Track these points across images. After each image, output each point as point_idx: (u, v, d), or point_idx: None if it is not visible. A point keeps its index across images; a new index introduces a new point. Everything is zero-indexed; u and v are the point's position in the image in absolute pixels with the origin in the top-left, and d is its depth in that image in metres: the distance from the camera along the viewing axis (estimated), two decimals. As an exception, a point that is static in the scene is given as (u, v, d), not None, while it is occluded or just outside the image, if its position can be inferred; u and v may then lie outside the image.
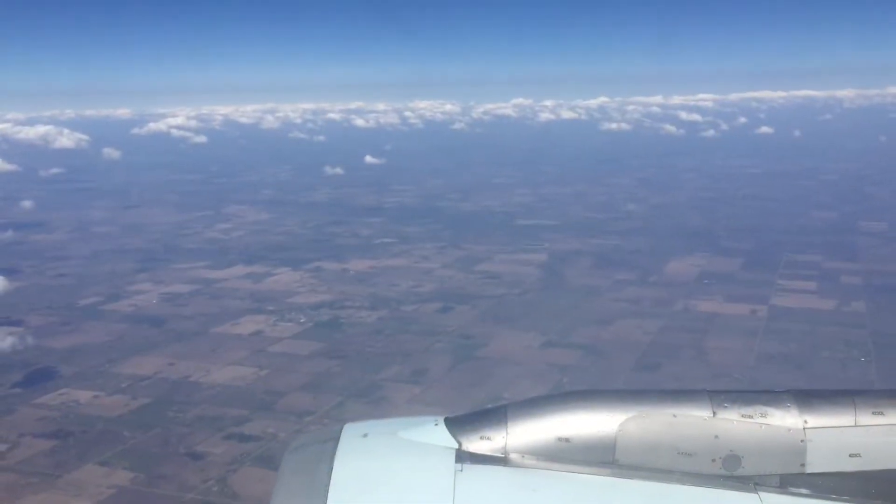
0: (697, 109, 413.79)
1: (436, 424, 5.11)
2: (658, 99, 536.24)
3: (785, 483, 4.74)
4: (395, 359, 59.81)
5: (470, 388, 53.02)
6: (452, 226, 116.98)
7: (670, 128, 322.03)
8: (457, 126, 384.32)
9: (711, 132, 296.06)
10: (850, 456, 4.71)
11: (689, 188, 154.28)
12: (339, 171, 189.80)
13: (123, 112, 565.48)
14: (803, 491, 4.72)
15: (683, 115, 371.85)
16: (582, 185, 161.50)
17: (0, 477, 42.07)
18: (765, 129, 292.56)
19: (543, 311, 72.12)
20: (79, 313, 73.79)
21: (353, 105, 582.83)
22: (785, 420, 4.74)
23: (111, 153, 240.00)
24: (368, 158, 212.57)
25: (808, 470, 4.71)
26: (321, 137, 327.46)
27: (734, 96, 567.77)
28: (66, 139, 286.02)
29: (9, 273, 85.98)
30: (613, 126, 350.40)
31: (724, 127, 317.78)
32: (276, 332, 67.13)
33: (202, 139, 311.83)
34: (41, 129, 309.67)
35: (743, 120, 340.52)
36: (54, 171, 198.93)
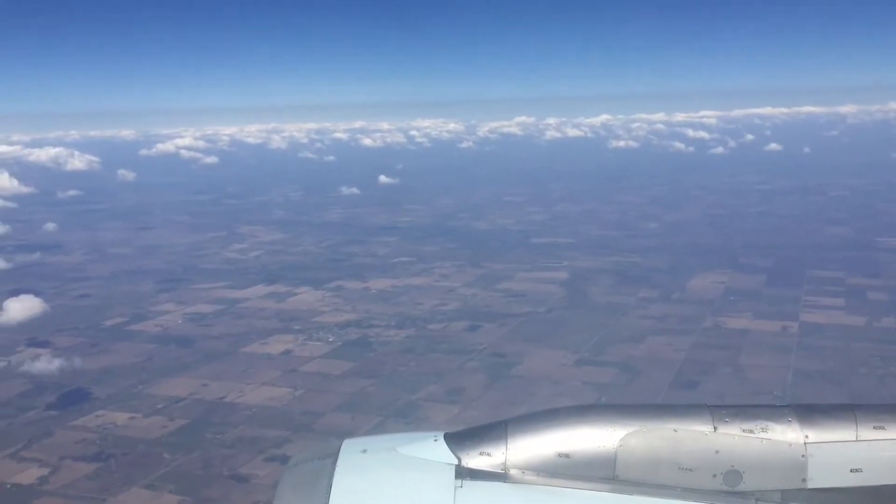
0: (702, 126, 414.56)
1: (435, 440, 5.10)
2: (661, 116, 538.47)
3: (786, 498, 4.72)
4: (429, 378, 59.52)
5: (509, 407, 52.59)
6: (469, 244, 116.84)
7: (679, 145, 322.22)
8: (464, 145, 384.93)
9: (720, 149, 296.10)
10: (851, 471, 4.69)
11: (701, 205, 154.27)
12: (355, 190, 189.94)
13: (128, 133, 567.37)
14: None
15: (690, 133, 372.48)
16: (593, 203, 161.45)
17: (46, 501, 41.77)
18: (773, 146, 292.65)
19: (571, 328, 71.90)
20: (105, 334, 73.50)
21: (357, 124, 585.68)
22: (786, 435, 4.73)
23: (125, 175, 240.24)
24: (382, 178, 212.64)
25: (810, 485, 4.69)
26: (331, 157, 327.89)
27: (737, 112, 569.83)
28: (78, 161, 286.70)
29: (33, 295, 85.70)
30: (621, 144, 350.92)
31: (732, 144, 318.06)
32: (306, 352, 66.82)
33: (213, 160, 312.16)
34: (52, 151, 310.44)
35: (750, 137, 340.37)
36: (71, 192, 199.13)
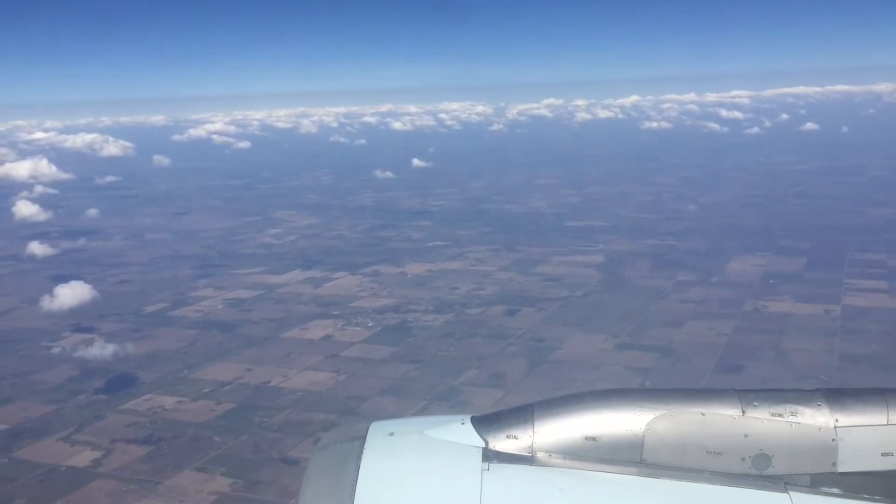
0: (735, 106, 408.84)
1: (462, 423, 5.12)
2: (692, 96, 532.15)
3: (816, 482, 4.68)
4: (470, 363, 59.69)
5: (553, 392, 52.01)
6: (503, 228, 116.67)
7: (713, 125, 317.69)
8: (495, 127, 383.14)
9: (755, 129, 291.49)
10: (882, 455, 4.66)
11: (737, 186, 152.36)
12: (389, 174, 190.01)
13: (158, 119, 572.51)
14: (835, 490, 4.66)
15: (724, 113, 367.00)
16: (627, 185, 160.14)
17: (101, 483, 42.54)
18: (810, 126, 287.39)
19: (610, 313, 71.59)
20: (148, 320, 74.52)
21: (385, 108, 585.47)
22: (816, 419, 4.69)
23: (161, 160, 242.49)
24: (416, 161, 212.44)
25: (840, 469, 4.66)
26: (362, 141, 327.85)
27: (769, 92, 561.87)
28: (113, 147, 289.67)
29: (70, 282, 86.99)
30: (654, 125, 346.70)
31: (767, 124, 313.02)
32: (347, 337, 67.27)
33: (245, 144, 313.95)
34: (87, 138, 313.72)
35: (785, 116, 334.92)
36: (109, 178, 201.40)
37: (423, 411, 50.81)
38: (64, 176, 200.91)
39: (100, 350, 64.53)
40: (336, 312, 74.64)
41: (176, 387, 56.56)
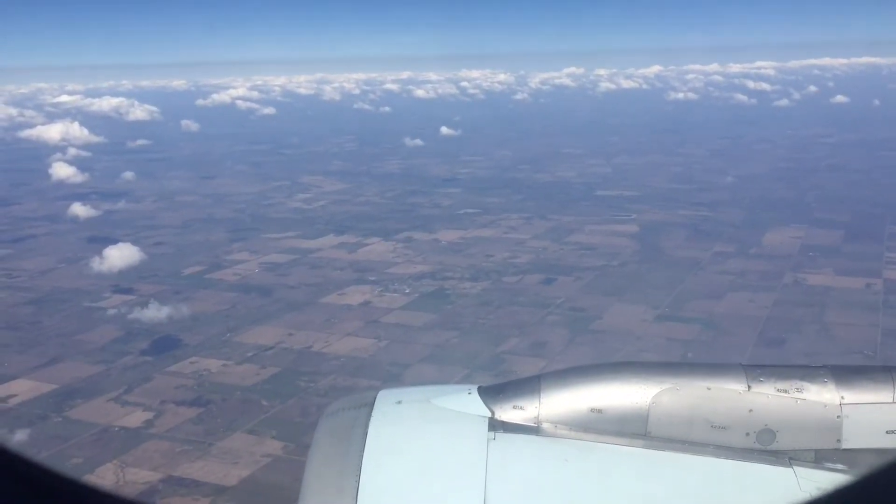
0: (760, 77, 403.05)
1: (469, 393, 5.17)
2: (715, 67, 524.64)
3: (820, 458, 4.72)
4: (510, 331, 59.75)
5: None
6: (532, 196, 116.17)
7: (741, 97, 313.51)
8: (519, 96, 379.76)
9: (784, 101, 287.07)
10: (887, 432, 4.68)
11: (767, 158, 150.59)
12: (419, 142, 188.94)
13: (179, 83, 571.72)
14: (839, 467, 4.68)
15: (751, 84, 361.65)
16: (655, 156, 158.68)
17: (154, 444, 43.08)
18: (840, 98, 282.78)
19: (648, 283, 71.36)
20: (186, 282, 75.00)
21: (404, 75, 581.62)
22: (821, 395, 4.73)
23: (189, 125, 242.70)
24: (444, 129, 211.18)
25: (844, 446, 4.70)
26: (387, 108, 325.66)
27: (794, 64, 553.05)
28: (140, 111, 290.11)
29: (110, 243, 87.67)
30: (680, 95, 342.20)
31: (797, 96, 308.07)
32: (385, 303, 67.42)
33: (270, 110, 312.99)
34: (113, 101, 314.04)
35: (814, 89, 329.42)
36: (140, 142, 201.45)
37: (466, 379, 50.82)
38: (95, 139, 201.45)
39: (140, 311, 65.08)
40: (372, 278, 74.79)
41: (220, 349, 57.03)
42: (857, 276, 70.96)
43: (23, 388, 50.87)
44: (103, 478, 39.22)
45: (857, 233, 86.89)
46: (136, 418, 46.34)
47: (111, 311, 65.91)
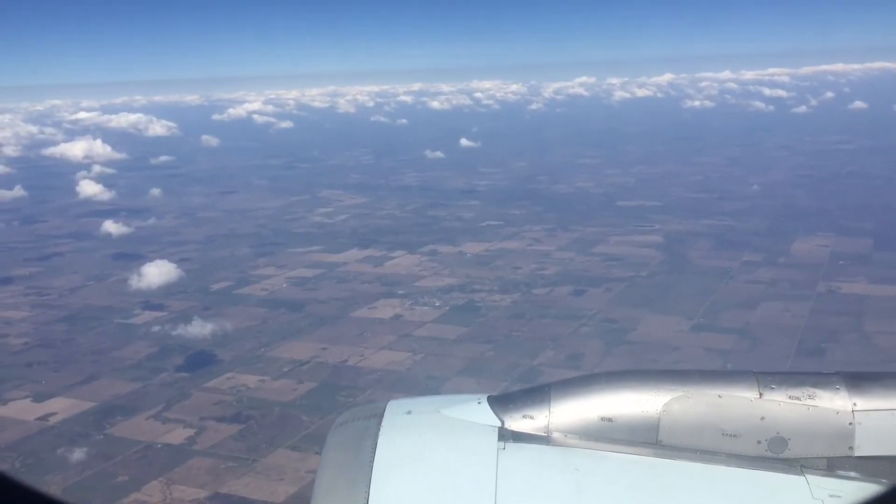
0: (774, 84, 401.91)
1: (479, 403, 5.15)
2: (728, 74, 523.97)
3: (832, 466, 4.68)
4: (545, 343, 59.47)
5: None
6: (554, 208, 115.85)
7: (758, 104, 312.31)
8: (534, 106, 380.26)
9: (802, 108, 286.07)
10: None
11: (786, 166, 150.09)
12: (439, 154, 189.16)
13: (192, 98, 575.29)
14: (851, 474, 4.64)
15: (767, 91, 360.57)
16: (672, 165, 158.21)
17: (198, 461, 42.95)
18: (858, 104, 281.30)
19: (679, 293, 70.93)
20: (215, 298, 75.05)
21: (416, 87, 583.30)
22: (833, 402, 4.68)
23: (209, 140, 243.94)
24: (464, 141, 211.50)
25: (857, 453, 4.65)
26: (403, 120, 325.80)
27: (807, 70, 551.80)
28: (158, 127, 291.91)
29: (137, 259, 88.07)
30: (696, 103, 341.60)
31: (814, 102, 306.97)
32: (416, 317, 67.26)
33: (288, 124, 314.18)
34: (132, 118, 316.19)
35: (830, 94, 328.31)
36: (163, 158, 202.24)
37: (505, 391, 50.63)
38: (117, 156, 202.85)
39: (172, 327, 65.21)
40: (401, 292, 74.65)
41: (255, 365, 56.97)
42: (892, 283, 70.29)
43: (62, 406, 50.92)
44: (151, 496, 39.19)
45: (885, 241, 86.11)
46: (177, 435, 46.26)
47: (144, 328, 66.04)
